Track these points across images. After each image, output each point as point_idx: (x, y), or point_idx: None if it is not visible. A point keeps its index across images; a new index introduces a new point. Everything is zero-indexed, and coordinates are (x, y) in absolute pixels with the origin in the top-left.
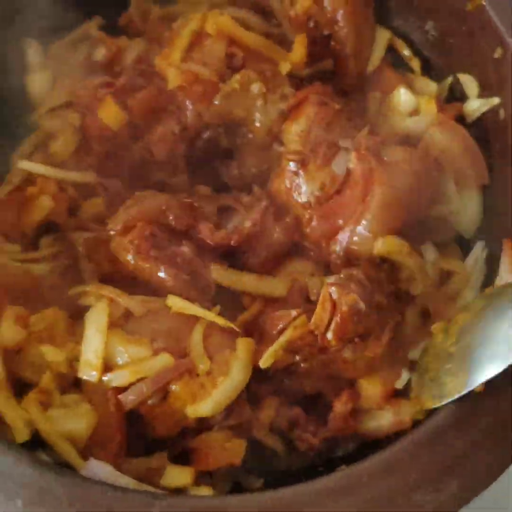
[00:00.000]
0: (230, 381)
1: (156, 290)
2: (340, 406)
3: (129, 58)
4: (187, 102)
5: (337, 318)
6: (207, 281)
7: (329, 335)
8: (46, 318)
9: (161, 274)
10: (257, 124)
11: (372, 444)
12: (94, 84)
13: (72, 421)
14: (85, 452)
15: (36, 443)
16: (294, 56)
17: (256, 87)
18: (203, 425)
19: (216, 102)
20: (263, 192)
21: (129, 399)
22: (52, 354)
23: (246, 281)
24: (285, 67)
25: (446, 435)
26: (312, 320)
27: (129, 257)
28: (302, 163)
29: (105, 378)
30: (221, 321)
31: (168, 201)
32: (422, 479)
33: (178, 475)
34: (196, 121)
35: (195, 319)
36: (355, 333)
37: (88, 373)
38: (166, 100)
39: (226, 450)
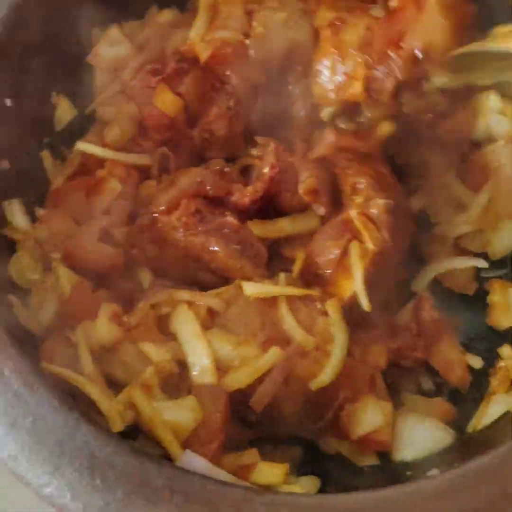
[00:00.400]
0: (338, 346)
1: (204, 269)
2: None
3: (171, 45)
4: (227, 72)
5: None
6: (257, 248)
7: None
8: (138, 313)
9: (213, 248)
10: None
11: None
12: (146, 73)
13: (177, 412)
14: (184, 446)
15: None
16: None
17: (279, 18)
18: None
19: (252, 55)
20: (266, 138)
21: (260, 400)
22: (156, 353)
23: (283, 225)
24: None
25: None
26: (368, 239)
27: (179, 234)
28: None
29: (223, 382)
30: (300, 291)
31: (201, 173)
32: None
33: (269, 472)
34: (244, 85)
35: (273, 298)
36: None
37: (207, 378)
38: (212, 79)
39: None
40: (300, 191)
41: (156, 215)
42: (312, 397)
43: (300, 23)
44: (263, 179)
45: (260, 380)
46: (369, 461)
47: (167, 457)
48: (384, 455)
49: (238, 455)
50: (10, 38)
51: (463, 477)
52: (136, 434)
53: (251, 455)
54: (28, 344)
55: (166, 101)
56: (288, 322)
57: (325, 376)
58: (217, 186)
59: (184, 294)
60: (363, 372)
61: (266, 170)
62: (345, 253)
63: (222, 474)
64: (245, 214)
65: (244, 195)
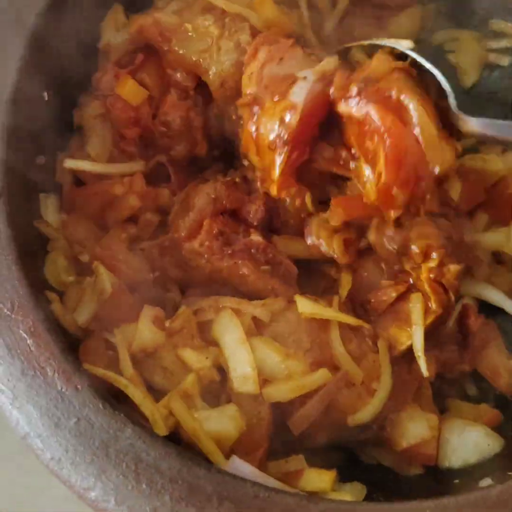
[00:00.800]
0: (384, 389)
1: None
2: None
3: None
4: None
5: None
6: (287, 265)
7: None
8: (180, 318)
9: (241, 271)
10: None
11: None
12: (112, 66)
13: (219, 421)
14: (228, 455)
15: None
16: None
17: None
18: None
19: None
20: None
21: (298, 424)
22: (196, 360)
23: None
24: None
25: None
26: (433, 306)
27: (204, 260)
28: (257, 104)
29: (264, 392)
30: (355, 321)
31: (214, 189)
32: None
33: (318, 478)
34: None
35: (324, 320)
36: None
37: (248, 386)
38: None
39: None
40: None
41: (177, 238)
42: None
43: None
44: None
45: (301, 401)
46: (414, 471)
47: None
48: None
49: (284, 462)
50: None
51: None
52: (179, 440)
53: (297, 462)
54: (69, 344)
55: (130, 89)
56: (339, 348)
57: (365, 414)
58: (233, 199)
59: (230, 301)
60: (410, 383)
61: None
62: (401, 299)
63: (271, 481)
64: (266, 227)
65: (257, 210)
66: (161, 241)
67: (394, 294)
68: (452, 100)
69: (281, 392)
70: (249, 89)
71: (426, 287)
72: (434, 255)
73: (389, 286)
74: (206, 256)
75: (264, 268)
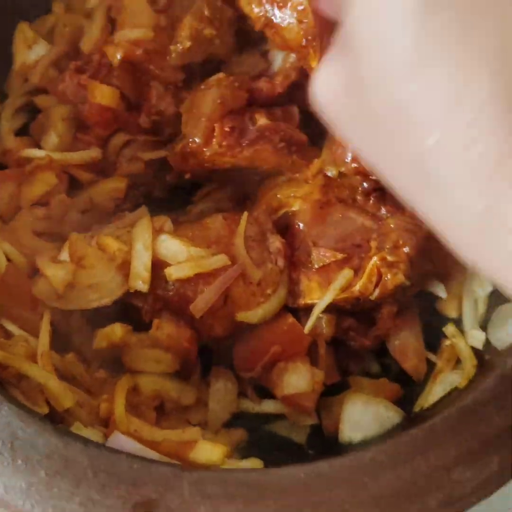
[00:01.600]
0: (277, 297)
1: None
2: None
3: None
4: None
5: (381, 289)
6: (298, 136)
7: (372, 297)
8: None
9: (262, 155)
10: None
11: None
12: (72, 72)
13: None
14: None
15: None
16: None
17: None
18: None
19: (172, 59)
20: None
21: (199, 307)
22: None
23: None
24: None
25: (485, 411)
26: (357, 287)
27: (227, 158)
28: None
29: (166, 271)
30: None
31: (218, 94)
32: (462, 456)
33: (209, 452)
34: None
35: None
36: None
37: (139, 285)
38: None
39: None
40: None
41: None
42: (244, 341)
43: (225, 39)
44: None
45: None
46: (310, 421)
47: None
48: (333, 438)
49: (180, 431)
50: None
51: (402, 448)
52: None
53: (192, 432)
54: None
55: (103, 95)
56: (240, 247)
57: (254, 315)
58: (238, 98)
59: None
60: (304, 335)
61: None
62: (336, 267)
63: (150, 453)
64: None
65: (274, 85)
66: (182, 148)
67: (330, 258)
68: None
69: (181, 270)
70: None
71: (367, 268)
72: (393, 254)
73: (331, 249)
74: (228, 154)
75: (281, 145)
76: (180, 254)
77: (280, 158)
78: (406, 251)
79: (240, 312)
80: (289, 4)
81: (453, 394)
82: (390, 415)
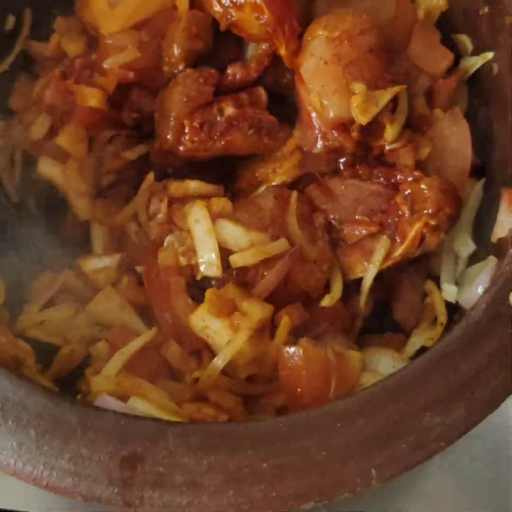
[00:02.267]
0: (338, 274)
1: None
2: None
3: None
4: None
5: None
6: (267, 118)
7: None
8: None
9: (235, 143)
10: None
11: None
12: (56, 79)
13: None
14: None
15: None
16: None
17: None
18: None
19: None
20: None
21: (264, 289)
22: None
23: None
24: None
25: (452, 360)
26: (400, 252)
27: (201, 152)
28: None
29: (231, 259)
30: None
31: (184, 92)
32: (430, 403)
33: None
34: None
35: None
36: None
37: (212, 271)
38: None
39: None
40: None
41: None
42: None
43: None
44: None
45: (262, 274)
46: None
47: None
48: None
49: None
50: None
51: (374, 397)
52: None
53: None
54: None
55: (92, 98)
56: (295, 228)
57: (333, 293)
58: (203, 93)
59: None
60: (345, 315)
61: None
62: (369, 236)
63: (136, 412)
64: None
65: (249, 70)
66: (159, 147)
67: (364, 232)
68: None
69: (245, 257)
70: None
71: (410, 234)
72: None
73: (363, 223)
74: (201, 150)
75: (251, 132)
76: (241, 240)
77: (253, 144)
78: (447, 212)
79: (324, 299)
80: (245, 4)
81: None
82: (395, 364)
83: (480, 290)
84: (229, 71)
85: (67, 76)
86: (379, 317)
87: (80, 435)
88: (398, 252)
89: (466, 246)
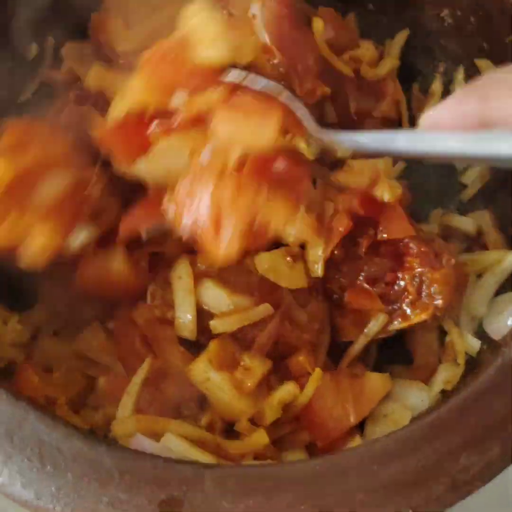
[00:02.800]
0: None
1: None
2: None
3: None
4: None
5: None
6: None
7: None
8: None
9: None
10: None
11: None
12: (72, 103)
13: None
14: None
15: None
16: None
17: None
18: None
19: None
20: None
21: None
22: None
23: None
24: None
25: (486, 399)
26: (396, 327)
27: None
28: None
29: (211, 324)
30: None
31: None
32: (466, 443)
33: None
34: None
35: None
36: None
37: (187, 333)
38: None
39: None
40: None
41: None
42: None
43: None
44: None
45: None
46: None
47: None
48: None
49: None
50: None
51: (410, 437)
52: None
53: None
54: None
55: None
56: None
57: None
58: None
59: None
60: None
61: None
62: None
63: (171, 454)
64: None
65: None
66: None
67: (367, 305)
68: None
69: (225, 324)
70: None
71: (413, 320)
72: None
73: (367, 295)
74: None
75: None
76: (222, 303)
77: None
78: (454, 306)
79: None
80: None
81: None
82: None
83: (510, 322)
84: None
85: (82, 101)
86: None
87: (118, 479)
88: (395, 327)
89: (484, 307)
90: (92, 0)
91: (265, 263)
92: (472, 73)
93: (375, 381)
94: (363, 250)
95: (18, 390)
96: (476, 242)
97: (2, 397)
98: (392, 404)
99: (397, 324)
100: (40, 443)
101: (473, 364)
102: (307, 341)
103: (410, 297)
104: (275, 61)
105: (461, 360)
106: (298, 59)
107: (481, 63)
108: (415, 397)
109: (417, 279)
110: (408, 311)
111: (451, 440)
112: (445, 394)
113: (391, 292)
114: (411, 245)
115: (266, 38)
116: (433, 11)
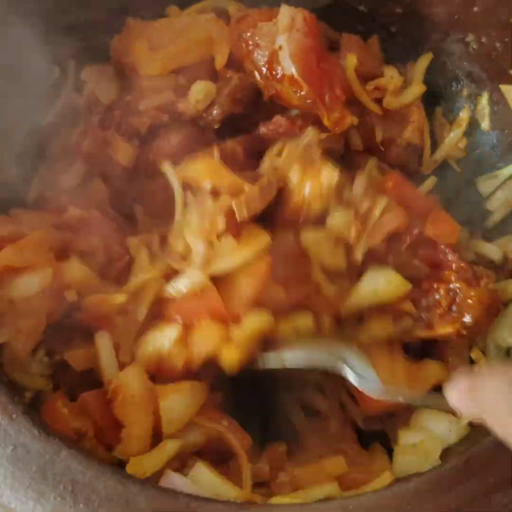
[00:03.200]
0: None
1: None
2: None
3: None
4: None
5: None
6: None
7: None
8: None
9: None
10: None
11: None
12: (95, 128)
13: None
14: None
15: None
16: None
17: None
18: None
19: None
20: None
21: None
22: None
23: None
24: None
25: None
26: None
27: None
28: None
29: None
30: None
31: None
32: (500, 482)
33: None
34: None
35: None
36: None
37: None
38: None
39: None
40: None
41: None
42: None
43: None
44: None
45: None
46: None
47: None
48: None
49: None
50: None
51: (444, 477)
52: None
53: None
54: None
55: (124, 155)
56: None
57: None
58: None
59: None
60: None
61: None
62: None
63: (203, 492)
64: None
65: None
66: None
67: None
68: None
69: None
70: None
71: (437, 331)
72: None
73: None
74: None
75: None
76: None
77: None
78: (482, 328)
79: None
80: (283, 78)
81: None
82: (452, 428)
83: None
84: (273, 120)
85: (105, 126)
86: None
87: None
88: (418, 335)
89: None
90: (114, 22)
91: (310, 239)
92: (496, 98)
93: (433, 369)
94: (405, 246)
95: (47, 422)
96: (501, 269)
97: (34, 433)
98: (419, 433)
99: (421, 332)
100: (73, 481)
101: None
102: None
103: (441, 310)
104: (302, 92)
105: None
106: (326, 89)
107: (506, 88)
108: (443, 427)
109: (451, 293)
110: (434, 321)
111: (484, 480)
112: (473, 427)
113: (423, 299)
114: (449, 257)
115: (293, 70)
116: (458, 35)
